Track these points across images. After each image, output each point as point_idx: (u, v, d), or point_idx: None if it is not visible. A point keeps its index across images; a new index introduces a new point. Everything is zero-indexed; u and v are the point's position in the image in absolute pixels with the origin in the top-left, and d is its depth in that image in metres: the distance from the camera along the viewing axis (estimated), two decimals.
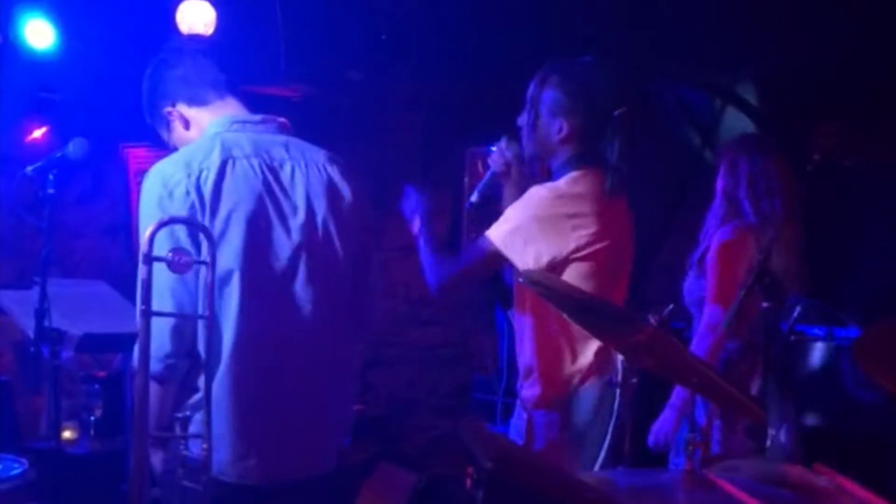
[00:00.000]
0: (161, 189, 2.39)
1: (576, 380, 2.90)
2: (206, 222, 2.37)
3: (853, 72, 4.40)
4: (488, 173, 3.25)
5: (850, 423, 3.92)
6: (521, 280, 2.68)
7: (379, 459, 5.10)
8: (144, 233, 2.20)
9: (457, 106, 5.55)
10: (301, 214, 2.50)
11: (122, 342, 3.67)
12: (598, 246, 2.88)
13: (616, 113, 2.94)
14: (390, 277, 5.79)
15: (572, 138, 2.96)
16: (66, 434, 4.20)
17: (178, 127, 2.65)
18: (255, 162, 2.49)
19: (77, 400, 4.32)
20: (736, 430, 3.36)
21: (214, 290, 2.32)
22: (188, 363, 2.39)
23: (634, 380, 2.31)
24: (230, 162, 2.45)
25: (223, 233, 2.39)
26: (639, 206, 3.27)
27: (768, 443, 2.90)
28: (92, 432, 4.30)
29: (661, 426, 3.48)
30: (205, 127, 2.60)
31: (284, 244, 2.47)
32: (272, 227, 2.46)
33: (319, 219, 2.53)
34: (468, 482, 1.87)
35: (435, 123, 5.68)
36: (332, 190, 2.57)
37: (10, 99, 4.40)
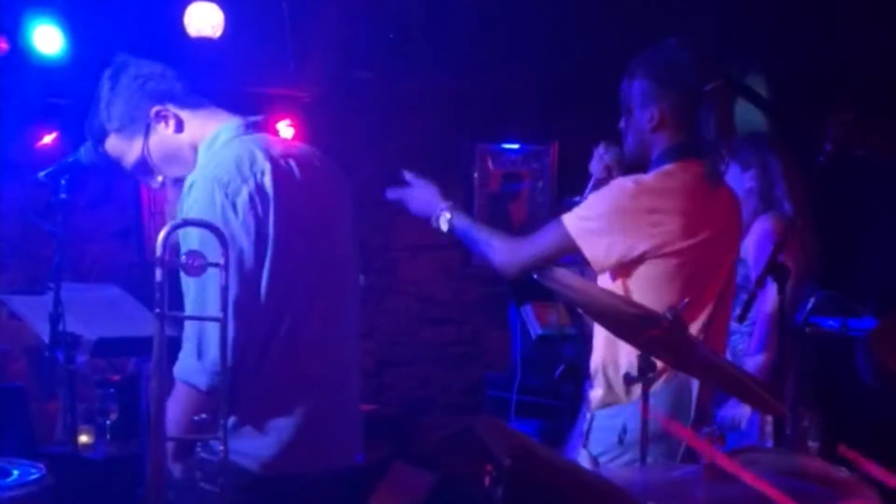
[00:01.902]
0: (223, 199, 2.32)
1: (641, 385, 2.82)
2: (271, 227, 2.35)
3: (864, 61, 4.39)
4: (591, 181, 3.16)
5: (866, 413, 3.91)
6: (536, 277, 2.65)
7: (392, 459, 5.10)
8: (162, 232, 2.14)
9: (465, 103, 5.55)
10: (328, 212, 2.52)
11: (138, 346, 3.68)
12: (682, 244, 2.71)
13: (707, 88, 2.79)
14: (401, 277, 5.79)
15: (665, 124, 2.82)
16: (82, 438, 4.20)
17: (162, 130, 2.53)
18: (292, 162, 2.46)
19: (92, 404, 4.32)
20: None
21: (271, 294, 2.35)
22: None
23: (651, 374, 2.30)
24: (275, 164, 2.41)
25: (286, 236, 2.37)
26: None
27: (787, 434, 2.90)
28: (108, 436, 4.30)
29: (736, 407, 3.45)
30: (201, 131, 2.53)
31: (324, 243, 2.48)
32: (316, 226, 2.47)
33: (338, 217, 2.55)
34: (487, 480, 1.87)
35: (443, 121, 5.67)
36: (337, 187, 2.59)
37: (20, 105, 4.41)
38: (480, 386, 5.58)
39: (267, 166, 2.39)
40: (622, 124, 2.93)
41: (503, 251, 2.85)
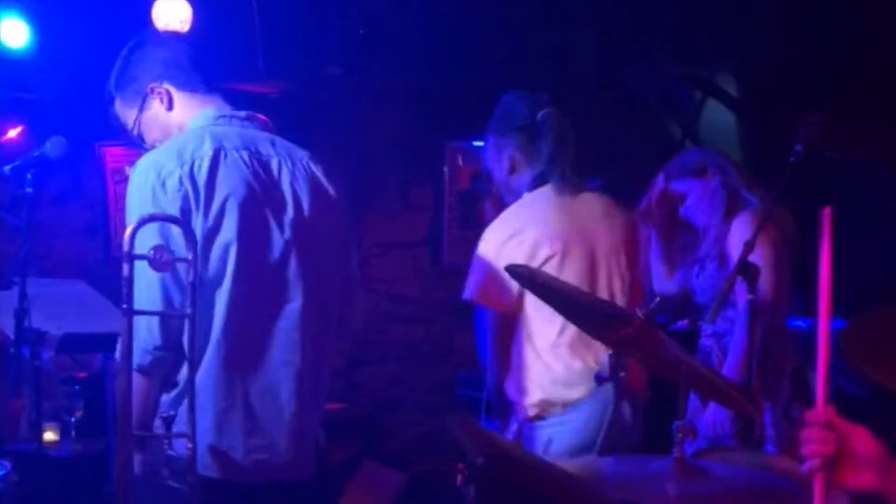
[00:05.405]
0: (154, 179, 2.36)
1: (562, 398, 2.95)
2: (200, 213, 2.35)
3: (835, 62, 4.41)
4: None
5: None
6: (510, 273, 2.67)
7: (363, 458, 5.08)
8: (129, 227, 2.16)
9: (435, 100, 5.54)
10: (290, 210, 2.49)
11: (103, 342, 3.64)
12: (547, 251, 2.97)
13: (538, 117, 3.05)
14: (371, 275, 5.76)
15: (517, 164, 3.10)
16: (47, 436, 4.15)
17: (156, 106, 2.60)
18: (245, 154, 2.47)
19: (57, 401, 4.28)
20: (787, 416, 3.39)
21: (205, 283, 2.32)
22: (173, 356, 2.35)
23: (623, 374, 2.31)
24: (222, 152, 2.43)
25: (217, 224, 2.37)
26: (621, 201, 3.28)
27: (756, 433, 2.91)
28: (73, 434, 4.25)
29: (716, 414, 3.45)
30: (188, 115, 2.58)
31: (275, 237, 2.46)
32: (264, 219, 2.45)
33: (307, 215, 2.52)
34: (459, 478, 1.86)
35: (413, 118, 5.66)
36: (317, 188, 2.57)
37: None
38: (451, 385, 5.57)
39: (208, 154, 2.41)
40: (490, 191, 3.34)
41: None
